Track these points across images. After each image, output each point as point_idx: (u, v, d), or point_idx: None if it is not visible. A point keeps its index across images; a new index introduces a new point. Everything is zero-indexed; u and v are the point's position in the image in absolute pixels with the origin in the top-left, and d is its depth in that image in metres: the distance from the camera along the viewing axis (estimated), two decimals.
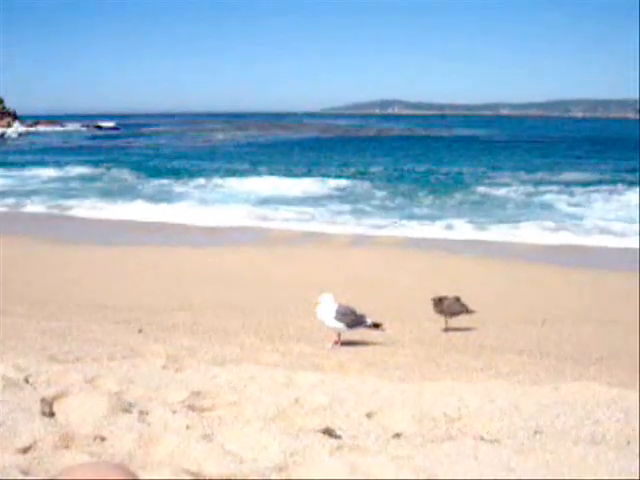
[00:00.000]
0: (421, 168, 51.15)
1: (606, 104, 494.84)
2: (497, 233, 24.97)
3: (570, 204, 32.31)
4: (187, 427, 4.72)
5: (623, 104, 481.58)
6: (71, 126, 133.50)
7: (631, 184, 39.39)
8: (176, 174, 45.63)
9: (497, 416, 5.47)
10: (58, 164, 52.64)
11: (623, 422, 5.37)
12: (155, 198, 34.56)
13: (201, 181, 42.20)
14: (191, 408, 5.27)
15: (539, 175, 45.46)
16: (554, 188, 38.12)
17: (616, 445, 4.94)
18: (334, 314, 9.46)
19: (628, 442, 5.01)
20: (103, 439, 4.39)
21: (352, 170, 49.27)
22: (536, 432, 5.15)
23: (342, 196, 35.61)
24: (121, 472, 1.51)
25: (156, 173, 46.22)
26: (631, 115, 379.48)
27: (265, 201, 34.08)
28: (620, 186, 38.12)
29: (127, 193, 36.57)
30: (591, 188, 37.92)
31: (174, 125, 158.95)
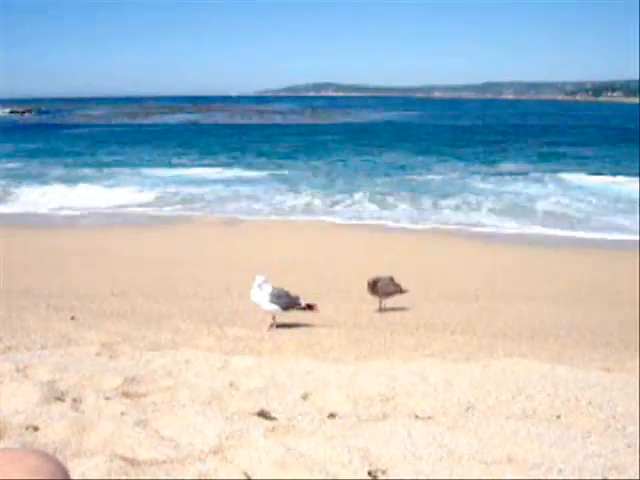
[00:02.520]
0: (358, 154, 50.62)
1: (537, 86, 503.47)
2: (434, 216, 25.26)
3: (497, 190, 32.56)
4: (122, 413, 4.71)
5: (552, 86, 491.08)
6: None
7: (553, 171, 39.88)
8: (106, 163, 44.21)
9: (430, 394, 5.58)
10: None
11: (553, 396, 5.53)
12: (83, 181, 34.16)
13: (124, 170, 40.59)
14: (125, 394, 5.25)
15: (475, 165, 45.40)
16: (488, 177, 38.13)
17: (546, 419, 5.09)
18: (268, 297, 9.45)
19: (558, 416, 5.16)
20: (36, 428, 4.35)
21: (290, 159, 48.06)
22: (469, 408, 5.26)
23: (281, 181, 35.15)
24: (43, 457, 1.50)
25: (81, 162, 44.71)
26: (560, 97, 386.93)
27: (194, 183, 33.96)
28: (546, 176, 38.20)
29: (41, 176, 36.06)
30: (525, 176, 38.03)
31: (109, 108, 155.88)
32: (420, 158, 47.95)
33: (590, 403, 5.40)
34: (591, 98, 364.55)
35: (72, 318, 9.41)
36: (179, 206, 27.51)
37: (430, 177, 37.33)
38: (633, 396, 5.63)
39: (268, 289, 9.50)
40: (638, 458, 4.31)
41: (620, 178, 36.37)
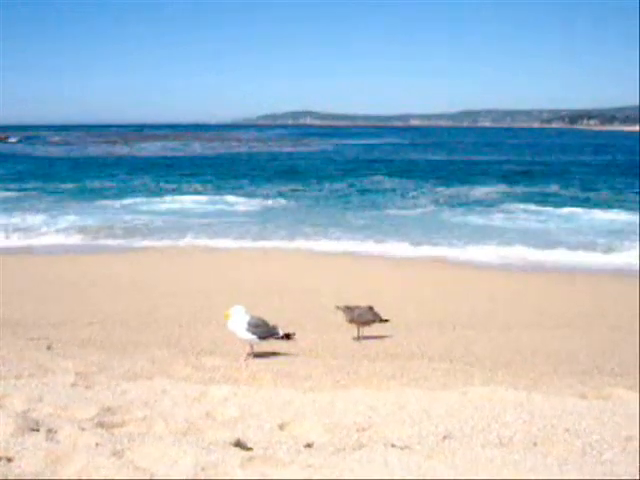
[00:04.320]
0: (337, 186, 50.36)
1: (513, 114, 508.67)
2: (413, 245, 25.19)
3: (470, 219, 32.73)
4: (96, 444, 4.67)
5: (529, 114, 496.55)
6: None
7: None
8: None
9: (407, 422, 5.57)
10: None
11: (529, 424, 5.55)
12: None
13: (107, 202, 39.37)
14: (101, 425, 5.21)
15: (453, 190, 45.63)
16: (462, 206, 38.20)
17: (523, 447, 5.10)
18: (246, 326, 9.42)
19: (534, 443, 5.17)
20: (10, 459, 4.31)
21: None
22: (445, 437, 5.26)
23: (258, 214, 34.82)
24: None
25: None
26: (536, 125, 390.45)
27: (173, 211, 33.93)
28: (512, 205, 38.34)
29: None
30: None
31: (87, 136, 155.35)
32: (399, 183, 48.45)
33: (566, 430, 5.42)
34: (567, 126, 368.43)
35: (48, 347, 9.36)
36: (159, 233, 27.37)
37: (407, 205, 37.50)
38: (609, 423, 5.66)
39: (246, 318, 9.47)
40: None
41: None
